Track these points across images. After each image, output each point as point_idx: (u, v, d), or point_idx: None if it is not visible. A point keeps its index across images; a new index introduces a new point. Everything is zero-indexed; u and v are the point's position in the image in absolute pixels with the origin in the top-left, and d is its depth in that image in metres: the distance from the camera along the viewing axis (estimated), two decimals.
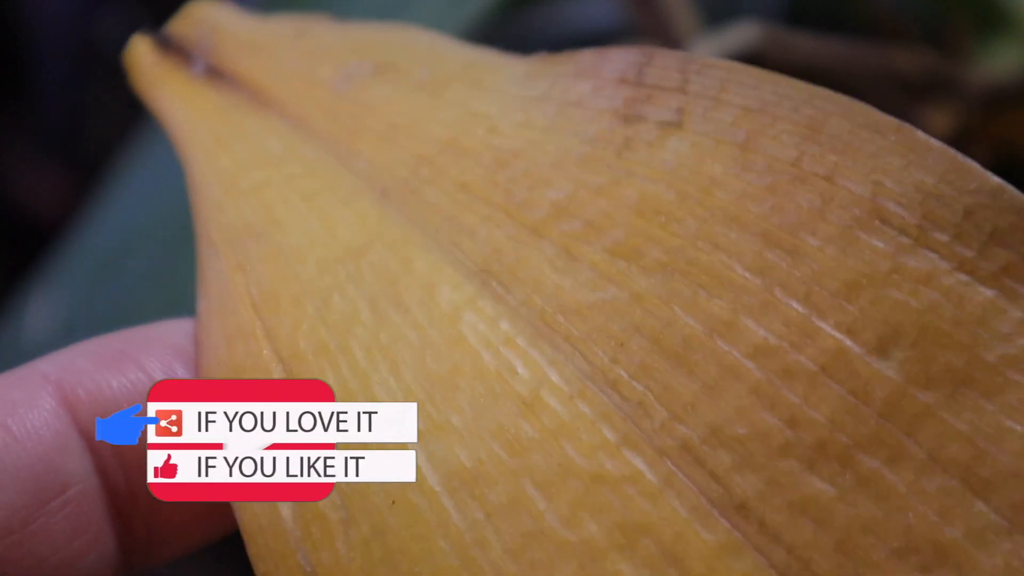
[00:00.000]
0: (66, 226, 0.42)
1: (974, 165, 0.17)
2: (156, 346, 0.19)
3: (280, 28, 0.23)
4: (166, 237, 0.36)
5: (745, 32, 0.33)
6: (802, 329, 0.17)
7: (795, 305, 0.17)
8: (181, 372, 0.19)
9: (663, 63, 0.19)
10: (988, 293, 0.16)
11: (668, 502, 0.17)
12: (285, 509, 0.18)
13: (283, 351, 0.19)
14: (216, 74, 0.22)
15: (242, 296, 0.20)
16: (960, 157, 0.17)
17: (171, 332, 0.19)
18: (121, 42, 0.23)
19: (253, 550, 0.18)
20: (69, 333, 0.37)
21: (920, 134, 0.17)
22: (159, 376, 0.19)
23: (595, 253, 0.18)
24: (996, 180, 0.17)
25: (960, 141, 0.35)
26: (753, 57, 0.33)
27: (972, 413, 0.16)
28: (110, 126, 0.72)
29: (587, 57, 0.20)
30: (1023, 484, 0.16)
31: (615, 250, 0.18)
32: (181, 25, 0.23)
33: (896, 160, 0.17)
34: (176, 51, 0.23)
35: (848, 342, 0.17)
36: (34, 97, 0.75)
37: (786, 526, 0.16)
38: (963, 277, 0.16)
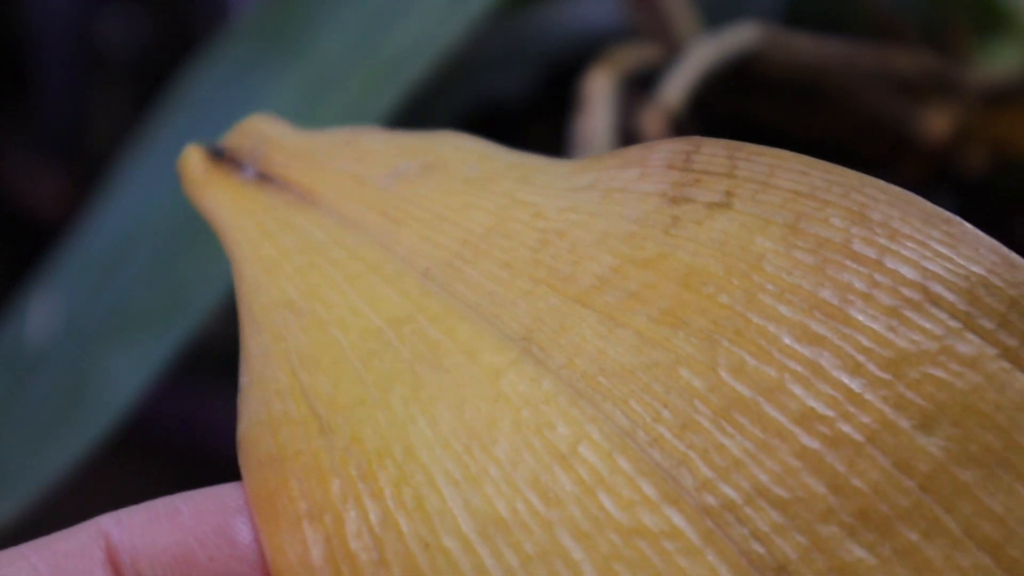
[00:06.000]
0: (66, 226, 0.42)
1: (1021, 260, 0.17)
2: (211, 502, 0.19)
3: (330, 137, 0.23)
4: (166, 237, 0.36)
5: (745, 32, 0.33)
6: (850, 400, 0.17)
7: (843, 377, 0.17)
8: (241, 531, 0.19)
9: (711, 150, 0.20)
10: None
11: (708, 560, 0.17)
12: (315, 549, 0.18)
13: (321, 406, 0.19)
14: (265, 179, 0.23)
15: (281, 363, 0.20)
16: (1008, 252, 0.18)
17: (232, 492, 0.19)
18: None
19: None
20: (69, 333, 0.37)
21: (969, 227, 0.18)
22: (210, 534, 0.19)
23: (639, 321, 0.19)
24: None
25: (960, 141, 0.35)
26: (753, 57, 0.33)
27: (1006, 495, 0.17)
28: (110, 126, 0.72)
29: (634, 150, 0.20)
30: None
31: (660, 319, 0.18)
32: (234, 138, 0.24)
33: (945, 249, 0.18)
34: (228, 160, 0.23)
35: (894, 416, 0.17)
36: (34, 97, 0.75)
37: None
38: (1006, 364, 0.17)
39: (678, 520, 0.17)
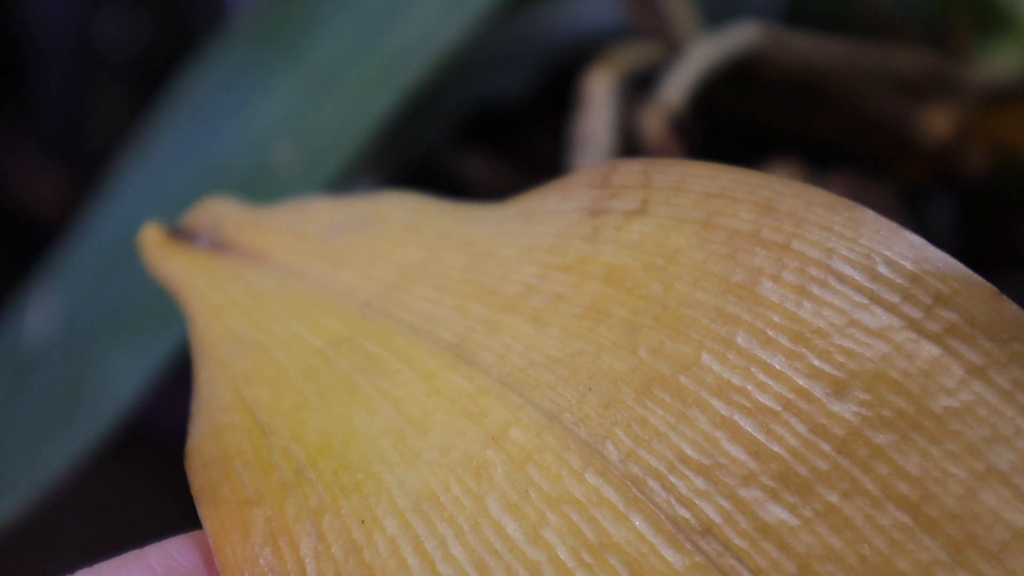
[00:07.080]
0: (66, 226, 0.42)
1: (920, 239, 0.18)
2: (177, 545, 0.20)
3: (278, 208, 0.25)
4: None
5: (745, 32, 0.33)
6: (764, 371, 0.18)
7: (757, 350, 0.18)
8: (202, 567, 0.20)
9: (627, 168, 0.21)
10: (934, 351, 0.18)
11: (634, 524, 0.18)
12: (255, 528, 0.19)
13: (262, 413, 0.20)
14: (218, 246, 0.25)
15: (226, 384, 0.21)
16: (908, 232, 0.18)
17: (191, 536, 0.20)
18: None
19: (222, 560, 0.18)
20: (69, 333, 0.37)
21: (871, 212, 0.19)
22: (175, 569, 0.19)
23: (564, 318, 0.20)
24: (941, 253, 0.18)
25: (960, 141, 0.35)
26: (753, 57, 0.33)
27: (920, 457, 0.17)
28: (110, 126, 0.72)
29: (557, 182, 0.22)
30: (964, 525, 0.17)
31: (583, 314, 0.20)
32: (191, 218, 0.26)
33: (848, 232, 0.19)
34: (184, 235, 0.26)
35: (808, 384, 0.18)
36: (34, 97, 0.75)
37: (750, 550, 0.17)
38: (912, 335, 0.18)
39: (604, 489, 0.18)
